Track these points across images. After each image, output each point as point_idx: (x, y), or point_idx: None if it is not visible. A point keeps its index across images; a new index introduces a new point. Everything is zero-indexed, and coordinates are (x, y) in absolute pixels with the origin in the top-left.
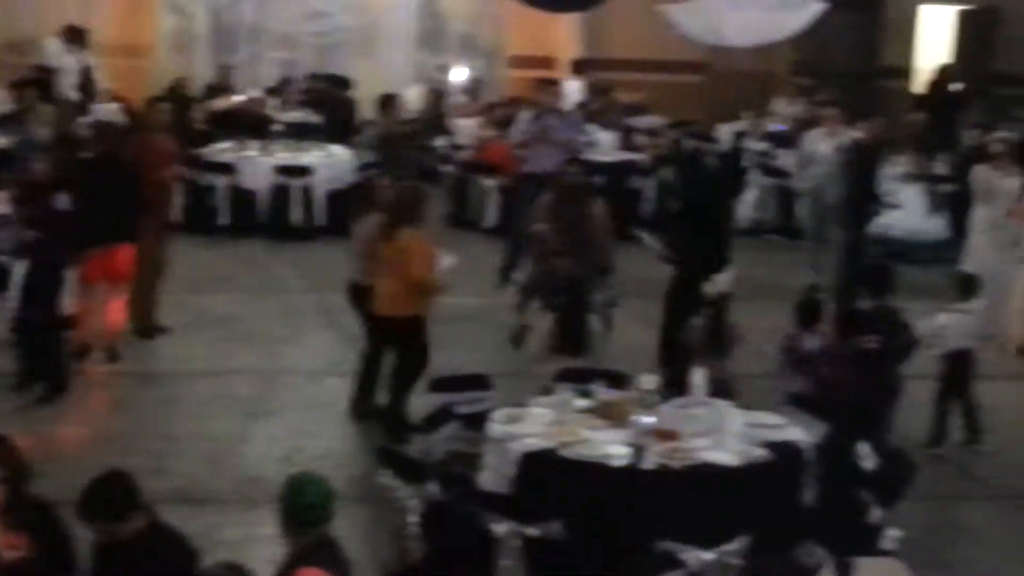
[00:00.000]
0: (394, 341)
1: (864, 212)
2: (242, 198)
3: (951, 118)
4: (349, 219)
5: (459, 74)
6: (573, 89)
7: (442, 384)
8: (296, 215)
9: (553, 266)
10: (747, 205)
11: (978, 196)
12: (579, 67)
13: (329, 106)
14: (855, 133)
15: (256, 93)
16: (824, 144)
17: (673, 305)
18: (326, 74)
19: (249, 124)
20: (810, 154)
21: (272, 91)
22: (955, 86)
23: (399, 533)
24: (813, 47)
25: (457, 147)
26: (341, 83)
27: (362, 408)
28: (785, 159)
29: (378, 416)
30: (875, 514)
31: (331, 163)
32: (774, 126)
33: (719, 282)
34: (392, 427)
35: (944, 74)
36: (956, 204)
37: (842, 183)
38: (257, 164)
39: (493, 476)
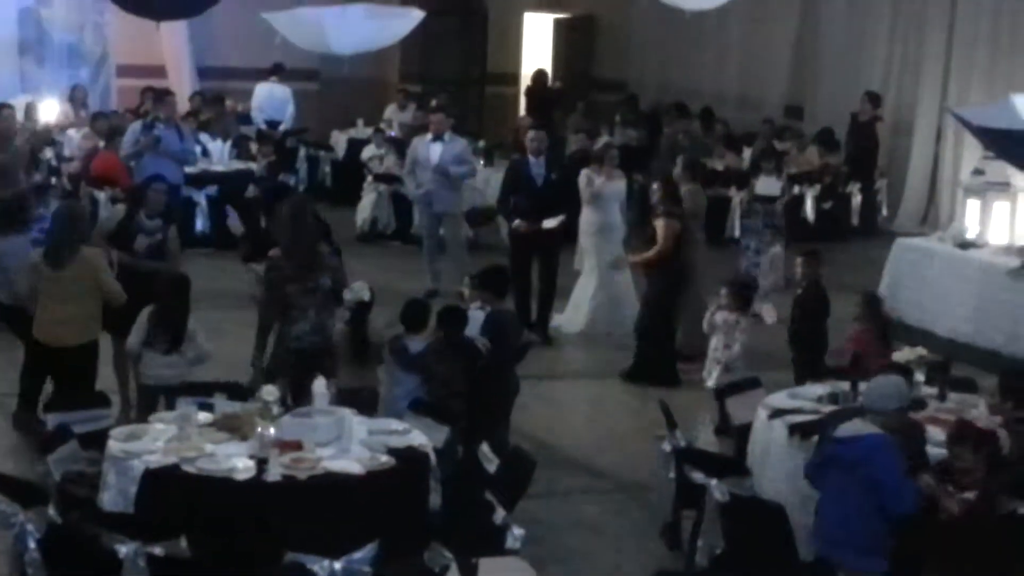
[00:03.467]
0: (66, 370)
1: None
2: None
3: (551, 119)
4: None
5: (65, 84)
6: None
7: (58, 404)
8: None
9: None
10: (365, 210)
11: (585, 199)
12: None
13: None
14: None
15: None
16: (431, 150)
17: None
18: None
19: None
20: (420, 160)
21: None
22: (554, 84)
23: (19, 560)
24: (422, 54)
25: (64, 159)
26: None
27: (23, 419)
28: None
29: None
30: (499, 514)
31: None
32: (390, 132)
33: (357, 290)
34: None
35: (539, 79)
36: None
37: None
38: None
39: (115, 496)
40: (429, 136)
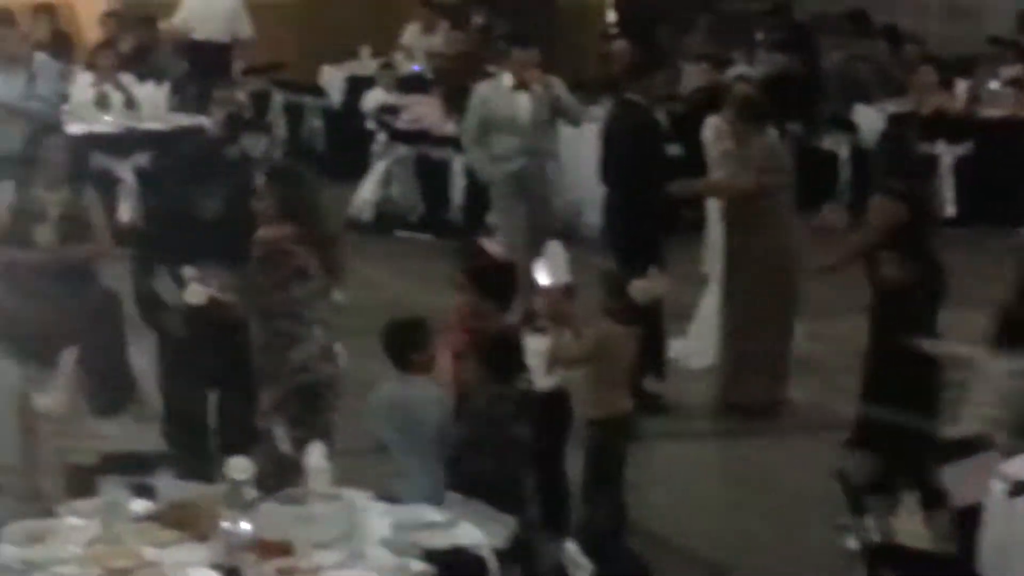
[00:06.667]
0: None
1: None
2: None
3: (654, 42)
4: None
5: None
6: None
7: None
8: None
9: None
10: (372, 187)
11: (713, 162)
12: None
13: None
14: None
15: None
16: (518, 104)
17: None
18: None
19: None
20: (498, 119)
21: None
22: None
23: None
24: None
25: None
26: None
27: None
28: (431, 117)
29: None
30: None
31: None
32: (413, 67)
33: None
34: None
35: None
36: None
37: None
38: None
39: None
40: (507, 82)
